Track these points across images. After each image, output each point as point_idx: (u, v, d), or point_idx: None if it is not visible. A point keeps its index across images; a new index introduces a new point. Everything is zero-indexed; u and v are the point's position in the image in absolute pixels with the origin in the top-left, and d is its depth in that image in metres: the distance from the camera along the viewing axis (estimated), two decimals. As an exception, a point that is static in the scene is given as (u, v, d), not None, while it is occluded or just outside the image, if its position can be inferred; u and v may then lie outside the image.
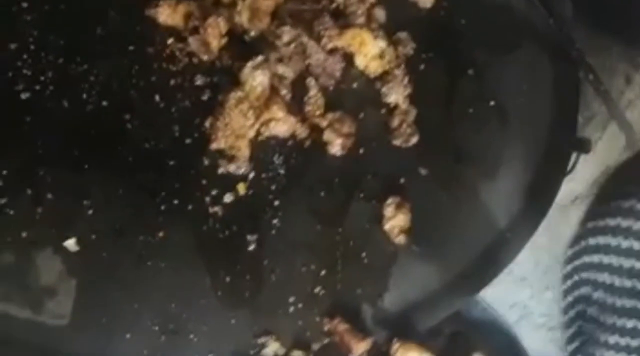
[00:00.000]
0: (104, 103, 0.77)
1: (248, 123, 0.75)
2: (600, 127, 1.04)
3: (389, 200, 0.77)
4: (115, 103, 0.77)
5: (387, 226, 0.76)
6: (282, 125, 0.77)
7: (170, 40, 0.80)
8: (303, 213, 0.76)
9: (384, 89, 0.81)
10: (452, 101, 0.83)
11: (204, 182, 0.75)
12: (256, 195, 0.75)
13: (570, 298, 1.07)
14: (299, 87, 0.79)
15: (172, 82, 0.78)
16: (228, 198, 0.75)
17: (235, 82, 0.76)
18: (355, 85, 0.81)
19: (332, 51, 0.79)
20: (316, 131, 0.78)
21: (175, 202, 0.74)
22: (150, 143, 0.76)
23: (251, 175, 0.76)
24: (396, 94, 0.80)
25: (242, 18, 0.79)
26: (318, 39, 0.79)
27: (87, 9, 0.81)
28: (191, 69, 0.79)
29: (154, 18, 0.80)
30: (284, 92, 0.77)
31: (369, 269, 0.75)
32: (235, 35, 0.80)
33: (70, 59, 0.78)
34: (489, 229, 0.80)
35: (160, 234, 0.73)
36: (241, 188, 0.75)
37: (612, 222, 1.01)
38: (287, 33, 0.78)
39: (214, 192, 0.75)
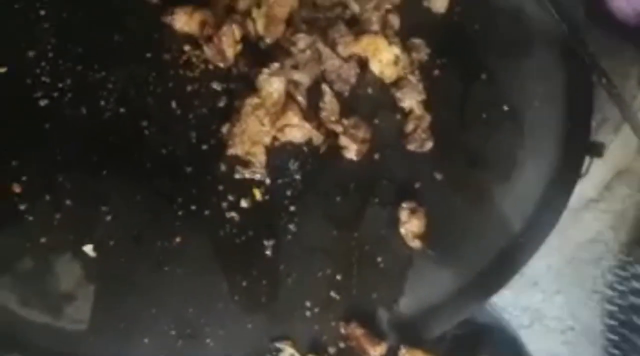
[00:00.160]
0: (122, 110, 0.77)
1: (264, 129, 0.76)
2: (613, 131, 1.03)
3: (404, 205, 0.77)
4: (132, 110, 0.78)
5: (402, 230, 0.77)
6: (297, 131, 0.77)
7: (186, 47, 0.81)
8: (319, 219, 0.76)
9: (398, 94, 0.81)
10: (465, 106, 0.84)
11: (220, 187, 0.76)
12: (272, 200, 0.76)
13: (615, 306, 1.06)
14: (314, 93, 0.79)
15: (189, 88, 0.79)
16: (244, 203, 0.75)
17: (252, 88, 0.77)
18: (370, 90, 0.82)
19: (347, 58, 0.80)
20: (332, 137, 0.79)
21: (193, 207, 0.75)
22: (168, 149, 0.77)
23: (267, 180, 0.76)
24: (411, 99, 0.81)
25: (258, 26, 0.80)
26: (333, 45, 0.79)
27: (105, 16, 0.82)
28: (208, 75, 0.80)
29: (171, 25, 0.81)
30: (299, 98, 0.78)
31: (384, 273, 0.76)
32: (250, 43, 0.81)
33: (88, 66, 0.79)
34: (503, 233, 0.80)
35: (178, 239, 0.73)
36: (257, 193, 0.76)
37: None
38: (302, 40, 0.79)
39: (230, 198, 0.75)
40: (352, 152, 0.78)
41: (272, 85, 0.76)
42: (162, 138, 0.77)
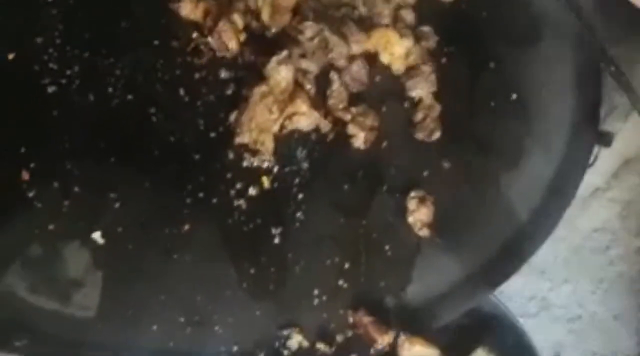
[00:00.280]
0: (130, 97, 0.77)
1: (272, 117, 0.76)
2: (622, 119, 1.03)
3: (412, 193, 0.77)
4: (140, 97, 0.77)
5: (410, 219, 0.77)
6: (306, 118, 0.77)
7: (194, 34, 0.80)
8: (327, 207, 0.76)
9: (408, 83, 0.81)
10: (473, 94, 0.84)
11: (228, 175, 0.76)
12: (280, 188, 0.76)
13: None
14: (322, 81, 0.79)
15: (197, 75, 0.79)
16: (252, 191, 0.75)
17: (260, 76, 0.77)
18: (378, 79, 0.82)
19: (358, 56, 0.79)
20: (340, 125, 0.78)
21: (201, 195, 0.75)
22: (176, 137, 0.76)
23: (275, 168, 0.76)
24: (421, 89, 0.80)
25: (263, 15, 0.80)
26: (342, 35, 0.79)
27: (112, 2, 0.81)
28: (215, 63, 0.79)
29: (177, 13, 0.81)
30: (307, 86, 0.78)
31: (392, 262, 0.76)
32: (256, 32, 0.80)
33: (95, 52, 0.79)
34: (511, 222, 0.80)
35: (186, 227, 0.73)
36: (265, 181, 0.76)
37: None
38: (310, 28, 0.78)
39: (238, 186, 0.75)
40: (360, 140, 0.78)
41: (281, 73, 0.76)
42: (170, 125, 0.77)
